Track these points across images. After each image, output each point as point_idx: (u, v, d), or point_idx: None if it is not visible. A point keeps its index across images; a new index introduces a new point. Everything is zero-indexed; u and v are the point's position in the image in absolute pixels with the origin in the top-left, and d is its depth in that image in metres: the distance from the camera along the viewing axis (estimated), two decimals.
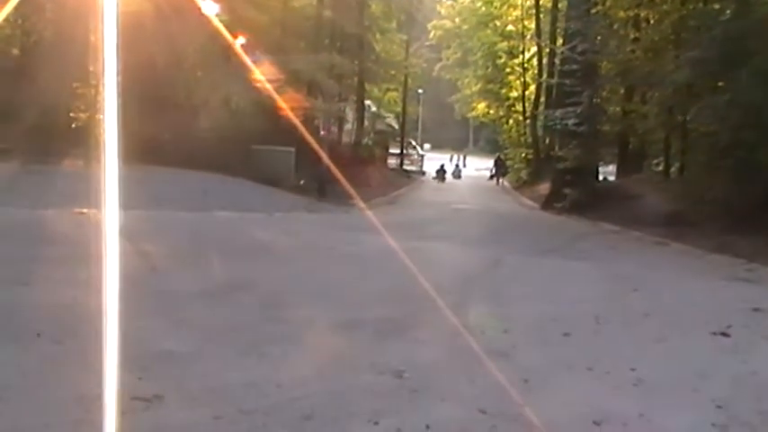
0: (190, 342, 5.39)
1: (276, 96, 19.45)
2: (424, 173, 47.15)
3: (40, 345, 5.04)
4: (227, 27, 18.58)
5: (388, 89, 43.53)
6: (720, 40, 18.55)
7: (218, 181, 18.77)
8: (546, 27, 39.36)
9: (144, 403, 4.11)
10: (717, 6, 21.55)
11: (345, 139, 36.59)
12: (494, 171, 46.14)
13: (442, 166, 46.91)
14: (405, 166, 45.09)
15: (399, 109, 46.75)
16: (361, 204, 20.18)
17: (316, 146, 20.97)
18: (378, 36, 36.51)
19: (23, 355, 4.81)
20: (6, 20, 18.61)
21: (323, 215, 18.21)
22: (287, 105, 19.86)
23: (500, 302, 8.04)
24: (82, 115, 20.36)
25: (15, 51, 21.52)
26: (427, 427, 4.14)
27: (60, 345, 5.03)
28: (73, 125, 20.24)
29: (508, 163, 45.43)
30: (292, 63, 23.34)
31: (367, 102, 39.18)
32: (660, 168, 27.21)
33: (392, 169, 41.50)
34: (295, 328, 6.13)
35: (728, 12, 20.18)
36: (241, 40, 18.77)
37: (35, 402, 4.08)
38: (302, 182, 22.43)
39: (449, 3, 51.41)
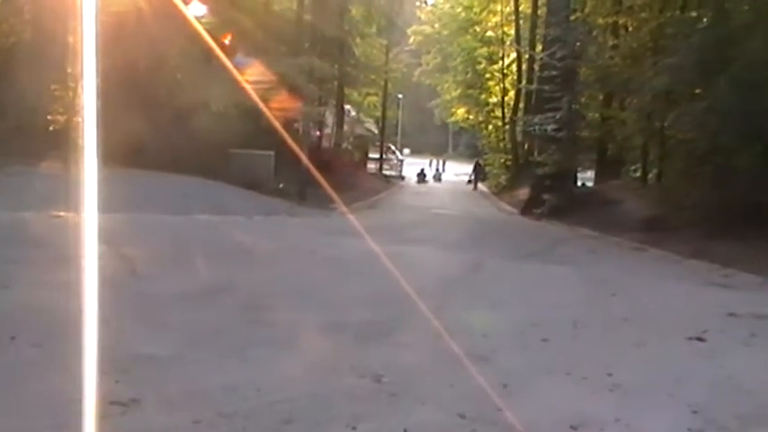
0: (170, 345, 5.38)
1: (256, 99, 19.42)
2: (403, 177, 47.23)
3: (17, 347, 5.01)
4: (208, 29, 18.56)
5: (367, 94, 43.49)
6: (698, 48, 18.73)
7: (199, 184, 18.69)
8: (525, 33, 39.54)
9: (121, 407, 4.09)
10: (694, 14, 21.80)
11: (325, 143, 36.59)
12: (472, 176, 46.16)
13: (422, 170, 47.67)
14: (384, 171, 45.13)
15: (379, 114, 46.75)
16: (342, 208, 20.17)
17: (296, 149, 20.94)
18: (358, 40, 36.49)
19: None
20: None
21: (303, 219, 18.17)
22: (267, 109, 19.83)
23: (480, 306, 8.07)
24: (60, 117, 20.22)
25: None
26: (405, 431, 4.16)
27: (38, 348, 4.99)
28: (51, 127, 20.09)
29: (487, 168, 45.49)
30: (273, 66, 23.30)
31: (347, 106, 39.14)
32: (638, 174, 27.46)
33: (372, 174, 41.51)
34: (276, 332, 6.14)
35: (706, 19, 20.42)
36: (224, 41, 18.71)
37: (11, 406, 4.05)
38: (282, 185, 22.38)
39: (429, 8, 51.60)
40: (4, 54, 20.28)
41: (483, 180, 44.85)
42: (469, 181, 46.29)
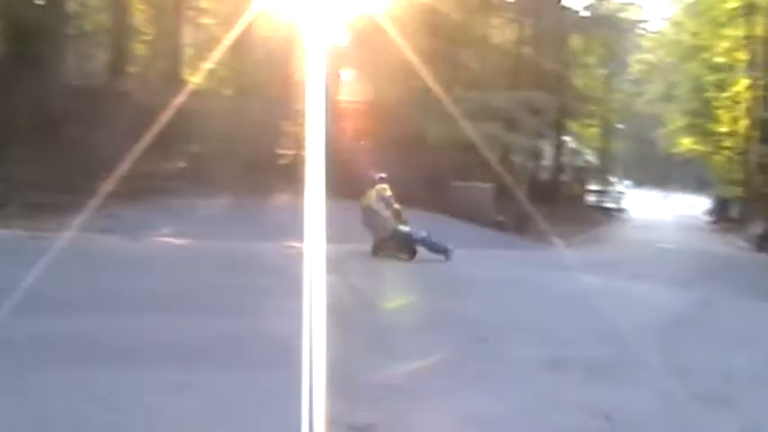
0: (401, 374, 5.45)
1: (474, 133, 19.58)
2: (623, 210, 45.65)
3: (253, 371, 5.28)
4: (427, 63, 18.98)
5: (587, 125, 42.73)
6: None
7: (420, 217, 19.07)
8: (759, 58, 37.25)
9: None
10: None
11: (544, 175, 36.23)
12: (715, 212, 42.81)
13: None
14: (604, 203, 43.85)
15: (599, 144, 45.68)
16: (560, 241, 19.81)
17: (513, 182, 20.91)
18: (577, 71, 36.02)
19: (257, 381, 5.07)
20: (220, 63, 20.02)
21: (522, 251, 18.03)
22: (485, 142, 19.95)
23: (714, 346, 7.61)
24: (290, 152, 21.41)
25: (228, 92, 22.94)
26: None
27: (275, 372, 5.23)
28: (281, 161, 21.32)
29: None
30: (491, 99, 23.46)
31: (565, 137, 38.59)
32: None
33: (591, 206, 40.48)
34: (503, 364, 6.11)
35: None
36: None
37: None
38: (501, 218, 22.36)
39: (652, 35, 49.94)
40: (240, 93, 21.80)
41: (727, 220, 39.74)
42: (714, 221, 42.57)
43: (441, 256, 12.85)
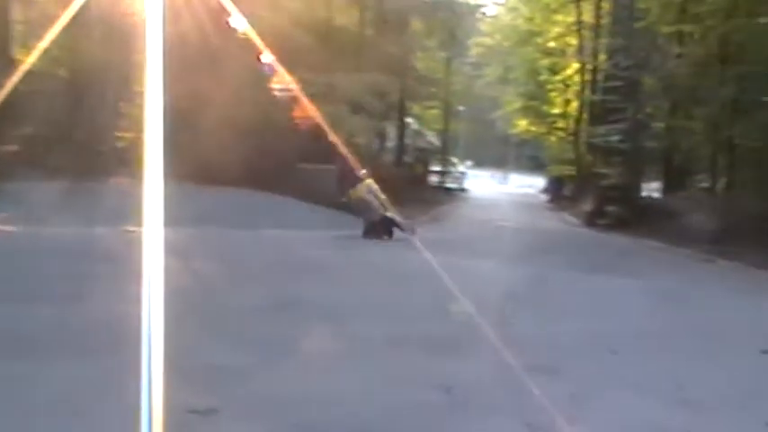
0: (244, 357, 5.46)
1: (319, 115, 19.59)
2: (464, 190, 47.02)
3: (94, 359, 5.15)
4: (270, 46, 18.80)
5: (429, 107, 43.58)
6: (766, 55, 18.38)
7: (266, 199, 19.00)
8: (588, 43, 39.13)
9: (200, 416, 4.20)
10: (762, 21, 21.33)
11: (387, 156, 36.74)
12: (550, 190, 44.59)
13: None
14: (446, 184, 44.97)
15: (440, 126, 46.70)
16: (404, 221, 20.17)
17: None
18: (419, 54, 36.62)
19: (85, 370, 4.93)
20: (54, 42, 19.09)
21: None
22: (329, 124, 20.01)
23: (546, 319, 8.02)
24: (128, 134, 20.73)
25: (64, 73, 21.96)
26: None
27: (114, 358, 5.12)
28: (119, 144, 20.62)
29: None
30: (335, 82, 23.53)
31: (408, 119, 39.23)
32: (706, 185, 26.93)
33: (434, 187, 41.43)
34: (347, 343, 6.21)
35: None
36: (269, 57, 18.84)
37: (89, 415, 4.18)
38: (345, 199, 22.52)
39: (490, 20, 51.47)
40: (75, 74, 20.89)
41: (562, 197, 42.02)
42: (550, 199, 44.39)
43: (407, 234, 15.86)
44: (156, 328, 4.62)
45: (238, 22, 20.28)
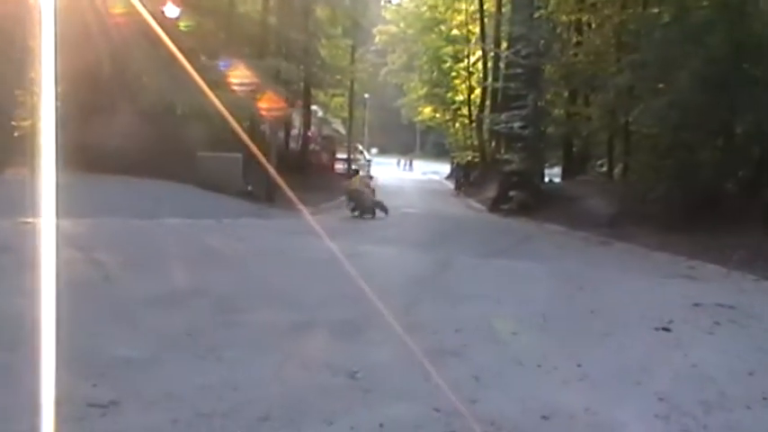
0: (145, 348, 5.37)
1: (221, 102, 19.30)
2: (371, 177, 47.10)
3: None
4: (172, 32, 18.40)
5: (334, 94, 43.49)
6: (659, 44, 19.02)
7: (167, 188, 18.62)
8: (490, 31, 39.75)
9: (101, 409, 4.11)
10: (656, 11, 22.09)
11: (293, 144, 36.54)
12: (455, 177, 44.21)
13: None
14: (352, 171, 44.94)
15: (346, 114, 46.68)
16: (310, 209, 20.13)
17: (263, 152, 20.87)
18: (323, 41, 36.50)
19: None
20: None
21: (271, 221, 18.14)
22: (233, 111, 19.73)
23: (450, 303, 8.14)
24: (25, 123, 19.98)
25: None
26: (381, 425, 4.22)
27: (10, 352, 4.97)
28: (16, 133, 19.86)
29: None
30: (238, 68, 23.25)
31: (313, 107, 39.08)
32: (604, 169, 27.77)
33: (340, 174, 41.38)
34: (249, 332, 6.17)
35: (667, 16, 20.71)
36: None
37: None
38: (250, 188, 22.32)
39: (394, 8, 51.70)
40: None
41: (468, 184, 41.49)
42: (457, 187, 44.20)
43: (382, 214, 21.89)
44: (52, 321, 4.51)
45: (171, 10, 19.92)
